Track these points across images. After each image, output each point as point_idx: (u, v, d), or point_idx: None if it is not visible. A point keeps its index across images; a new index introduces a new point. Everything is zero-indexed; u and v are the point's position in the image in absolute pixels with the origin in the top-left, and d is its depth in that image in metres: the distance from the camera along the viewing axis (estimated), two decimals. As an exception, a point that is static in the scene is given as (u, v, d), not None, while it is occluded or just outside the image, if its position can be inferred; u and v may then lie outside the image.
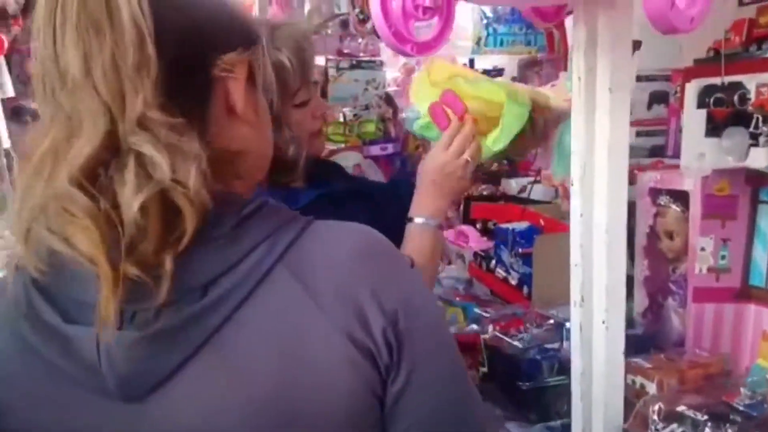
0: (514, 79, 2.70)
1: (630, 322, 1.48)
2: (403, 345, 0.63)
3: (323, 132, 1.23)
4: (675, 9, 0.66)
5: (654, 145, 2.11)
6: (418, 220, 1.19)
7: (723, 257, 1.34)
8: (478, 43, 3.07)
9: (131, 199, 0.55)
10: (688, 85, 1.45)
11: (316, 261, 0.63)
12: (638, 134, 2.16)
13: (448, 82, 1.30)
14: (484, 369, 1.38)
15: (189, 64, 0.62)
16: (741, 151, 1.22)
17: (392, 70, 3.38)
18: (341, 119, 3.06)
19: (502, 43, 2.73)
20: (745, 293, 1.32)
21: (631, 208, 1.57)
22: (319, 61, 3.46)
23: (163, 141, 0.57)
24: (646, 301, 1.48)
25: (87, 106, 0.57)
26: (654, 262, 1.47)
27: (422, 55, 0.98)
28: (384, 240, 0.69)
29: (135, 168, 0.56)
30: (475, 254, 1.83)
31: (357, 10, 2.93)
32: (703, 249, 1.33)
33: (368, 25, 2.91)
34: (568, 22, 1.28)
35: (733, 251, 1.32)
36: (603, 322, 1.07)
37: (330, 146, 2.90)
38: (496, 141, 1.27)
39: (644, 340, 1.40)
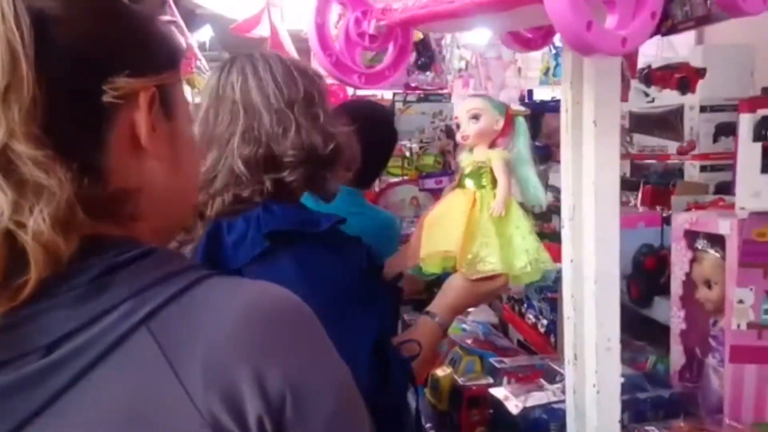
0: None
1: (665, 381, 1.33)
2: None
3: None
4: (595, 29, 0.56)
5: (721, 182, 1.92)
6: (436, 318, 1.18)
7: (766, 311, 1.17)
8: (546, 73, 2.96)
9: None
10: (742, 116, 1.30)
11: (191, 329, 0.53)
12: (702, 169, 1.98)
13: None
14: (491, 427, 1.26)
15: (74, 88, 0.54)
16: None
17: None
18: (407, 153, 3.01)
19: (571, 73, 2.62)
20: (793, 354, 1.15)
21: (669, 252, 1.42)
22: (387, 95, 3.44)
23: (21, 177, 0.50)
24: (683, 358, 1.31)
25: None
26: (692, 314, 1.30)
27: (373, 86, 0.89)
28: (291, 305, 0.57)
29: None
30: (509, 296, 1.70)
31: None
32: (741, 302, 1.17)
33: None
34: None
35: (778, 305, 1.15)
36: (594, 386, 0.94)
37: (388, 179, 2.86)
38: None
39: (676, 402, 1.24)
